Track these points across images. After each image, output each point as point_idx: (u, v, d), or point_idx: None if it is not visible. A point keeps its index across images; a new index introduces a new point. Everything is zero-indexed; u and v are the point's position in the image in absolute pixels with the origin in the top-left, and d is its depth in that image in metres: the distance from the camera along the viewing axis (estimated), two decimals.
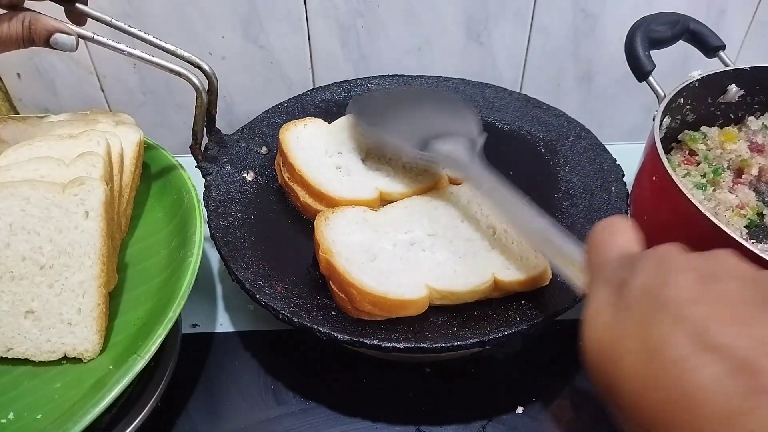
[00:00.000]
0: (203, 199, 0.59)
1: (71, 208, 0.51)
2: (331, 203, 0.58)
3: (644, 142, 0.56)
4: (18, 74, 0.77)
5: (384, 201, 0.60)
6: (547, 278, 0.52)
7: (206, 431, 0.52)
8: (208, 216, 0.57)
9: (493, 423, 0.52)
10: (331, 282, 0.51)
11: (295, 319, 0.49)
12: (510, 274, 0.51)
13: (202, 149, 0.62)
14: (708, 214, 0.44)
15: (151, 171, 0.65)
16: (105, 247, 0.51)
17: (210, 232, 0.56)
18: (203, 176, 0.61)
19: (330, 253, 0.50)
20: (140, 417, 0.51)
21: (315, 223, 0.54)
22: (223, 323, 0.61)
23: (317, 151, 0.63)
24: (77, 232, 0.51)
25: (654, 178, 0.51)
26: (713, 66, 0.59)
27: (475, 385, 0.55)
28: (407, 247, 0.54)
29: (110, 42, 0.53)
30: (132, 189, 0.61)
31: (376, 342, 0.48)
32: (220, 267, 0.66)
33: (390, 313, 0.49)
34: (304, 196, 0.60)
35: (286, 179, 0.62)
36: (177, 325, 0.59)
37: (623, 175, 0.62)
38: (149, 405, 0.52)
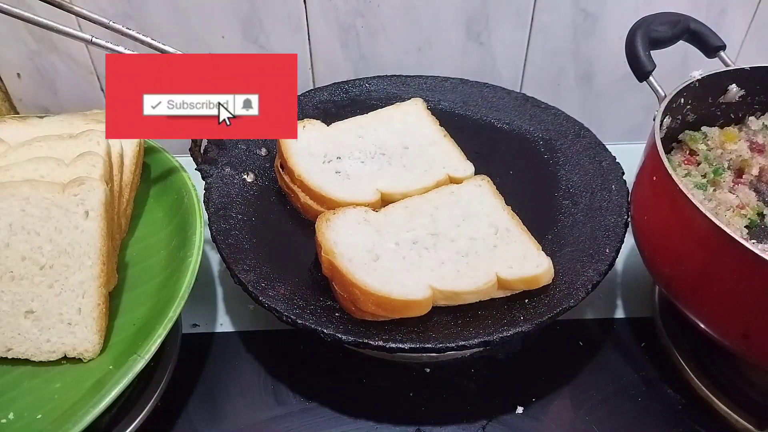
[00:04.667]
0: (204, 202, 0.59)
1: (71, 208, 0.51)
2: (333, 206, 0.58)
3: (644, 142, 0.56)
4: (18, 74, 0.77)
5: (385, 202, 0.60)
6: (550, 277, 0.52)
7: (206, 431, 0.52)
8: (209, 218, 0.57)
9: (493, 423, 0.52)
10: (334, 283, 0.51)
11: (299, 321, 0.49)
12: (513, 273, 0.51)
13: (202, 151, 0.62)
14: (708, 215, 0.44)
15: (151, 171, 0.65)
16: (105, 247, 0.51)
17: (211, 234, 0.56)
18: (203, 178, 0.61)
19: (332, 254, 0.50)
20: (140, 417, 0.51)
21: (316, 224, 0.54)
22: (224, 323, 0.61)
23: (316, 156, 0.63)
24: (77, 232, 0.51)
25: (654, 178, 0.51)
26: (713, 66, 0.59)
27: (475, 385, 0.55)
28: (410, 245, 0.54)
29: (109, 44, 0.53)
30: (132, 189, 0.61)
31: (380, 343, 0.48)
32: (221, 267, 0.66)
33: (394, 313, 0.49)
34: (304, 197, 0.60)
35: (287, 182, 0.62)
36: (177, 325, 0.59)
37: (623, 173, 0.62)
38: (149, 405, 0.52)
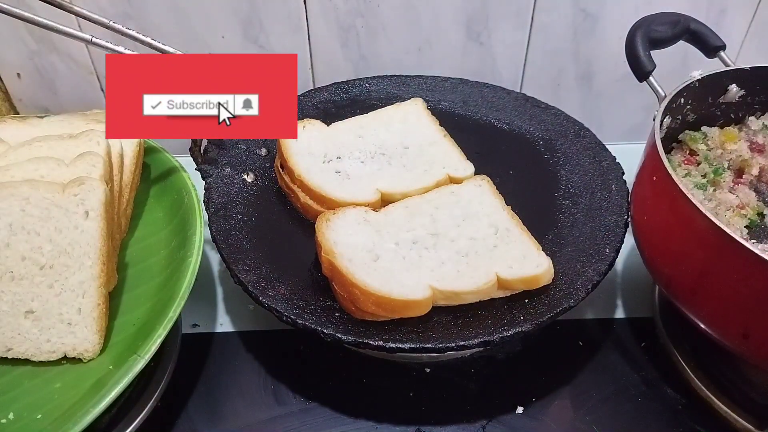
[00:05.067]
0: (204, 202, 0.59)
1: (71, 208, 0.51)
2: (333, 206, 0.58)
3: (644, 143, 0.56)
4: (18, 74, 0.77)
5: (385, 201, 0.60)
6: (550, 277, 0.52)
7: (206, 431, 0.52)
8: (209, 218, 0.57)
9: (493, 423, 0.52)
10: (334, 283, 0.51)
11: (299, 321, 0.49)
12: (513, 273, 0.51)
13: (202, 151, 0.62)
14: (709, 215, 0.44)
15: (152, 171, 0.65)
16: (105, 247, 0.51)
17: (211, 234, 0.56)
18: (203, 178, 0.61)
19: (332, 254, 0.50)
20: (140, 417, 0.51)
21: (316, 224, 0.54)
22: (223, 323, 0.61)
23: (317, 156, 0.63)
24: (77, 232, 0.51)
25: (654, 178, 0.51)
26: (713, 66, 0.59)
27: (475, 385, 0.55)
28: (409, 245, 0.54)
29: (109, 44, 0.53)
30: (132, 189, 0.61)
31: (380, 343, 0.48)
32: (220, 267, 0.66)
33: (394, 313, 0.49)
34: (304, 197, 0.60)
35: (287, 182, 0.62)
36: (177, 325, 0.59)
37: (623, 173, 0.62)
38: (149, 405, 0.52)
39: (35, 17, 0.52)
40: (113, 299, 0.53)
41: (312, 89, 0.74)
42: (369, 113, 0.69)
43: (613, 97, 0.81)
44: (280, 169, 0.63)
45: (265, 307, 0.50)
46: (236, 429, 0.52)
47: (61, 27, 0.53)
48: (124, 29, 0.55)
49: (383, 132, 0.67)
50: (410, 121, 0.68)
